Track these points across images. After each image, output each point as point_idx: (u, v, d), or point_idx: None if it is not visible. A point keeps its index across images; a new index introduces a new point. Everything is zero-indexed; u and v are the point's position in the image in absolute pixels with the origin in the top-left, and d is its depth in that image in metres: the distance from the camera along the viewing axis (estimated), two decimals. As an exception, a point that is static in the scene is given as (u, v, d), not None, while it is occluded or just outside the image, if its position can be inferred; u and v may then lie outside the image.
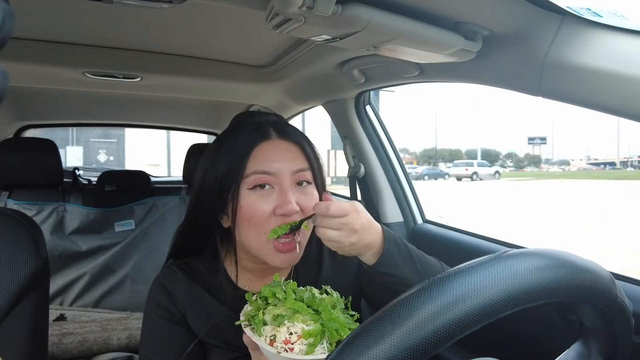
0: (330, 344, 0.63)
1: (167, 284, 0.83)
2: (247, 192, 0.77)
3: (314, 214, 0.72)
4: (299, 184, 0.79)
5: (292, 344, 0.62)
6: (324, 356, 0.61)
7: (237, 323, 0.69)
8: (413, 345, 0.36)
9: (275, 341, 0.63)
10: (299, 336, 0.63)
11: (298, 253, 0.77)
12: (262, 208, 0.75)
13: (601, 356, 0.49)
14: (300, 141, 0.82)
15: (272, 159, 0.77)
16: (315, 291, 0.72)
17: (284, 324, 0.64)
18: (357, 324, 0.67)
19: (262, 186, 0.77)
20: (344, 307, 0.71)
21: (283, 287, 0.71)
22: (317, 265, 0.89)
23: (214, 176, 0.78)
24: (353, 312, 0.71)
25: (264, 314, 0.67)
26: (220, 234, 0.84)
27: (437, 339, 0.36)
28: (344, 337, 0.62)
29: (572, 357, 0.49)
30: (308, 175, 0.80)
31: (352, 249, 0.72)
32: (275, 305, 0.68)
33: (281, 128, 0.82)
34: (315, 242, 0.91)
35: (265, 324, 0.66)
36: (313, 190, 0.81)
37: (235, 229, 0.79)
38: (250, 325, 0.68)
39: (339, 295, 0.73)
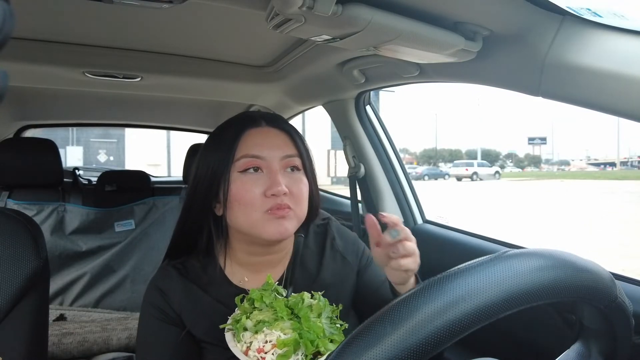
0: (306, 356, 0.61)
1: (161, 284, 0.83)
2: (237, 175, 0.78)
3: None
4: (289, 169, 0.81)
5: (266, 353, 0.61)
6: None
7: (221, 327, 0.69)
8: (413, 346, 0.36)
9: (250, 349, 0.62)
10: (273, 345, 0.61)
11: (290, 225, 0.77)
12: (252, 190, 0.77)
13: (601, 356, 0.49)
14: (289, 129, 0.84)
15: (261, 144, 0.79)
16: (307, 296, 0.70)
17: (263, 331, 0.63)
18: (343, 335, 0.65)
19: (252, 169, 0.78)
20: (331, 316, 0.69)
21: (276, 292, 0.70)
22: (316, 268, 0.88)
23: (207, 164, 0.80)
24: (341, 322, 0.69)
25: (247, 318, 0.66)
26: (215, 224, 0.84)
27: (437, 339, 0.36)
28: (322, 349, 0.61)
29: (572, 357, 0.49)
30: (297, 162, 0.82)
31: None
32: (261, 310, 0.67)
33: (270, 117, 0.85)
34: (316, 243, 0.90)
35: (246, 329, 0.65)
36: (302, 177, 0.82)
37: (226, 213, 0.80)
38: (233, 330, 0.67)
39: (327, 302, 0.70)
